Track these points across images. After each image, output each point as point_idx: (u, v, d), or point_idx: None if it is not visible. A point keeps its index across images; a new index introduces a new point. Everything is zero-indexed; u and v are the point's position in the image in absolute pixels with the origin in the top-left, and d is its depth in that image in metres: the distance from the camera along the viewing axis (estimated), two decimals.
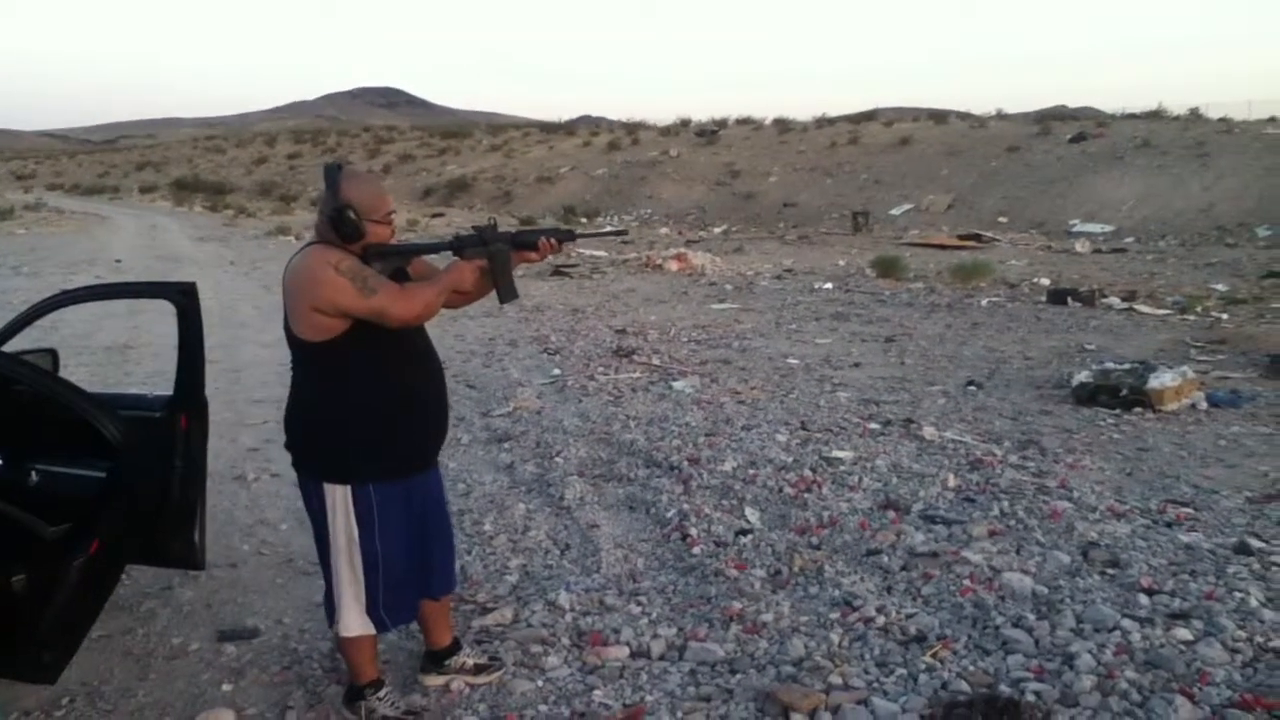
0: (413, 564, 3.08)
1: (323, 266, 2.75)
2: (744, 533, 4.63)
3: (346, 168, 2.92)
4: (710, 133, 42.88)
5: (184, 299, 3.63)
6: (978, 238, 22.76)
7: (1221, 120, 32.62)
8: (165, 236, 26.04)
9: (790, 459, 5.71)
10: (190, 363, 3.65)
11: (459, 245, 3.00)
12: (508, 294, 3.06)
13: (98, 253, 20.28)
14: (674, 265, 17.14)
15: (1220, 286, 14.22)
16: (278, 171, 56.90)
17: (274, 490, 5.50)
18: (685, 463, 5.68)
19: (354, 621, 3.01)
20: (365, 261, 2.82)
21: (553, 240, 3.07)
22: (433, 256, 3.13)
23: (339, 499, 2.92)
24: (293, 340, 2.89)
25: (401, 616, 3.15)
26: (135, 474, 3.13)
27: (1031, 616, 3.65)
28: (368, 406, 2.89)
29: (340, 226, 2.80)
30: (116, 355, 9.49)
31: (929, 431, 6.36)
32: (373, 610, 3.01)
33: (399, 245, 2.98)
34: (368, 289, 2.74)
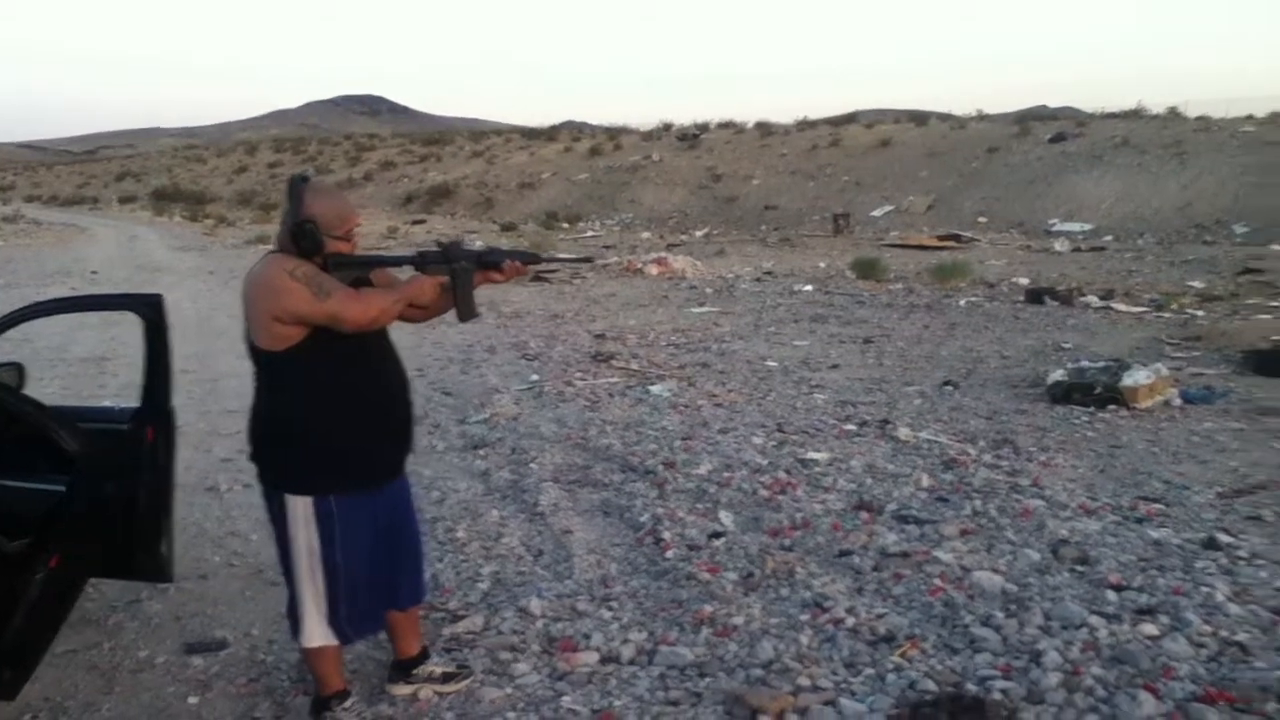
0: (377, 575, 3.06)
1: (279, 274, 2.74)
2: (717, 536, 4.63)
3: (312, 181, 2.92)
4: (692, 136, 42.92)
5: (150, 311, 3.61)
6: (957, 238, 22.85)
7: (1199, 119, 32.80)
8: (144, 247, 25.92)
9: (766, 461, 5.71)
10: (157, 374, 3.63)
11: (422, 260, 3.00)
12: (467, 313, 3.05)
13: (75, 264, 20.15)
14: (654, 269, 17.15)
15: (1196, 284, 14.32)
16: (258, 180, 56.69)
17: (246, 501, 5.46)
18: (661, 467, 5.68)
19: (316, 632, 2.99)
20: (326, 271, 2.81)
21: (518, 262, 3.07)
22: (396, 270, 3.13)
23: (300, 510, 2.90)
24: (253, 350, 2.88)
25: (365, 627, 3.13)
26: (96, 487, 3.10)
27: (1000, 615, 3.66)
28: (328, 416, 2.88)
29: (299, 240, 2.79)
30: (92, 367, 9.43)
31: (904, 432, 6.37)
32: (335, 621, 2.99)
33: (360, 256, 2.97)
34: (322, 292, 2.73)
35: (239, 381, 8.36)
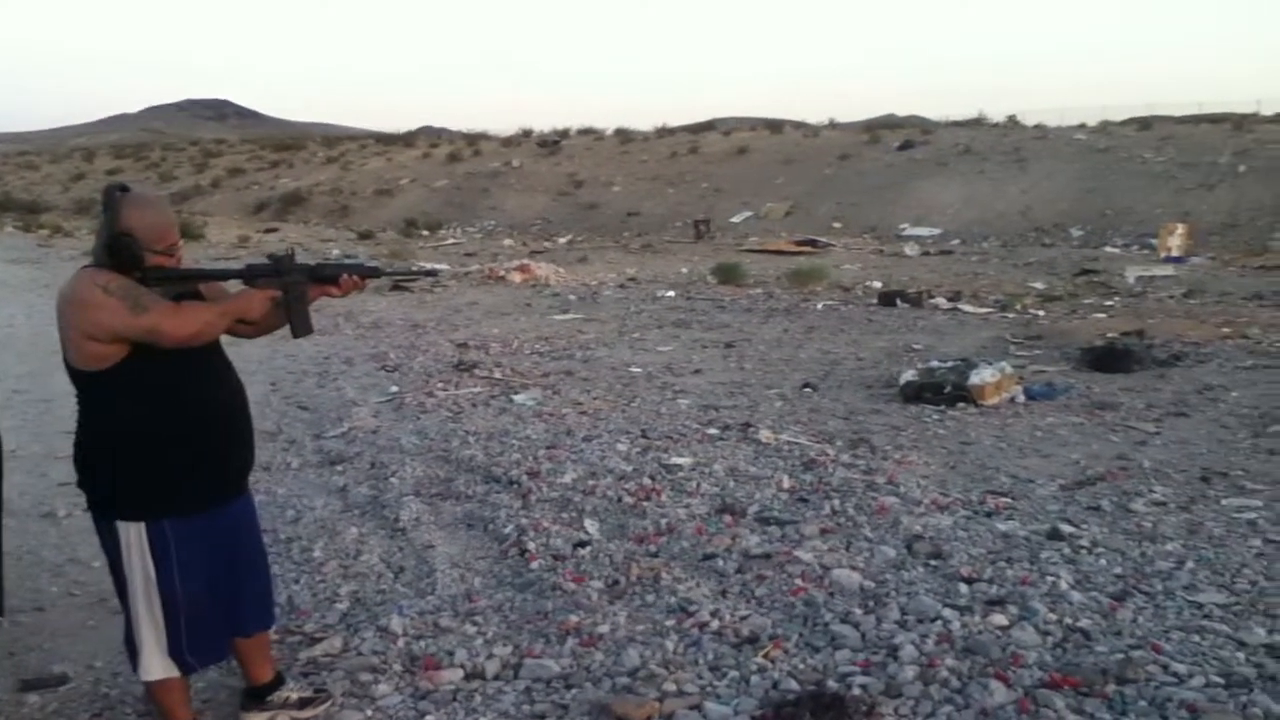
0: (219, 601, 2.92)
1: (90, 289, 2.60)
2: (582, 545, 4.60)
3: (132, 191, 2.75)
4: (552, 143, 42.89)
5: None
6: (814, 243, 23.46)
7: (1036, 127, 34.55)
8: None
9: (630, 468, 5.72)
10: None
11: (250, 275, 2.87)
12: (302, 328, 2.94)
13: None
14: (518, 277, 17.04)
15: (1038, 285, 15.05)
16: (96, 189, 53.56)
17: (86, 526, 5.08)
18: (525, 477, 5.62)
19: (155, 664, 2.83)
20: (145, 286, 2.67)
21: (355, 276, 2.98)
22: (231, 284, 2.98)
23: (133, 537, 2.75)
24: (71, 371, 2.72)
25: (209, 656, 2.98)
26: None
27: (859, 611, 3.75)
28: (154, 438, 2.73)
29: (116, 255, 2.65)
30: None
31: (765, 434, 6.48)
32: (176, 652, 2.84)
33: (183, 270, 2.82)
34: (139, 307, 2.60)
35: (75, 401, 7.94)
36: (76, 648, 3.87)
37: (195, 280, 2.88)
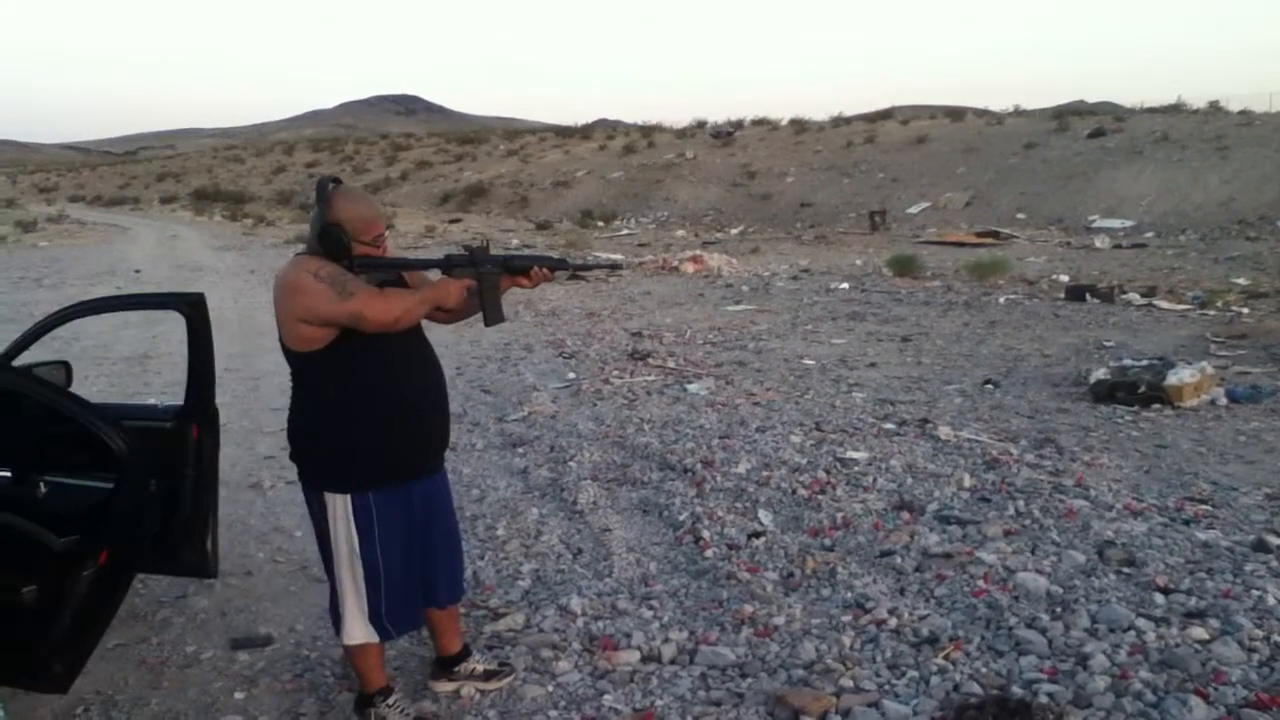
0: (415, 572, 3.08)
1: (302, 275, 2.77)
2: (757, 535, 4.61)
3: (341, 185, 2.93)
4: (726, 134, 42.80)
5: (192, 310, 3.65)
6: (995, 235, 22.63)
7: (1242, 113, 32.23)
8: (185, 246, 26.24)
9: (804, 460, 5.68)
10: (200, 372, 3.67)
11: (448, 264, 3.00)
12: (494, 317, 3.05)
13: (118, 264, 20.44)
14: (690, 267, 17.12)
15: (1241, 280, 14.09)
16: (296, 180, 57.14)
17: (289, 498, 5.51)
18: (699, 465, 5.66)
19: (357, 630, 3.01)
20: (353, 273, 2.82)
21: (545, 269, 3.07)
22: (430, 273, 3.13)
23: (339, 508, 2.93)
24: (286, 352, 2.91)
25: (406, 624, 3.15)
26: (142, 485, 3.14)
27: (1045, 617, 3.62)
28: (361, 415, 2.90)
29: (327, 244, 2.81)
30: (136, 365, 9.56)
31: (945, 431, 6.32)
32: (375, 618, 3.01)
33: (388, 259, 2.98)
34: (345, 293, 2.75)
35: (281, 379, 8.44)
36: (279, 611, 4.15)
37: (399, 269, 3.03)
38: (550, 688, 3.40)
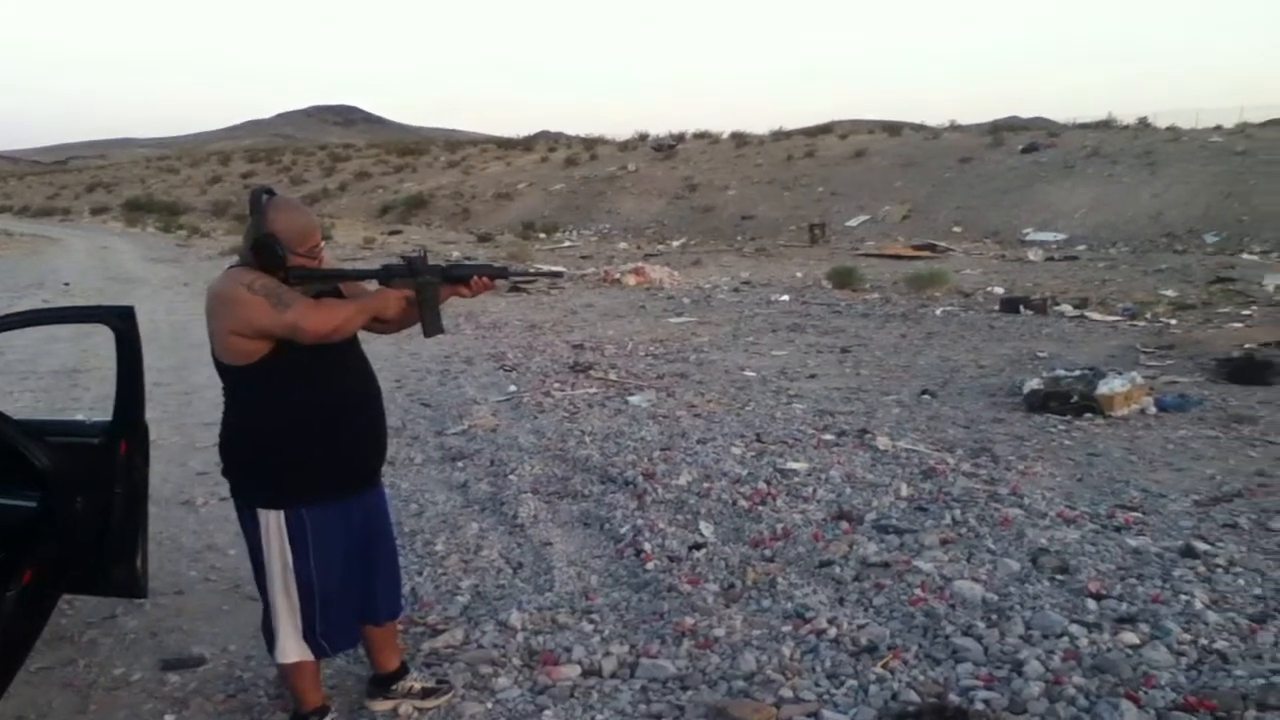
0: (351, 588, 3.03)
1: (236, 287, 2.72)
2: (698, 547, 4.61)
3: (276, 195, 2.88)
4: (668, 147, 43.04)
5: (122, 323, 3.56)
6: (933, 247, 23.00)
7: (1169, 129, 33.19)
8: (117, 258, 25.69)
9: (745, 471, 5.70)
10: (129, 387, 3.59)
11: (386, 275, 2.97)
12: (433, 327, 3.02)
13: (47, 276, 19.92)
14: (632, 279, 17.14)
15: (1169, 292, 14.46)
16: (232, 191, 56.25)
17: (223, 515, 5.39)
18: (640, 478, 5.65)
19: (291, 647, 2.96)
20: (288, 284, 2.78)
21: (485, 277, 3.05)
22: (368, 283, 3.09)
23: (272, 524, 2.88)
24: (218, 365, 2.85)
25: (342, 642, 3.10)
26: (67, 502, 3.06)
27: (981, 624, 3.67)
28: (295, 429, 2.85)
29: (261, 255, 2.76)
30: (64, 380, 9.32)
31: (883, 441, 6.39)
32: (310, 636, 2.96)
33: (324, 270, 2.93)
34: (281, 304, 2.71)
35: (214, 394, 8.23)
36: (212, 631, 4.06)
37: (335, 279, 2.99)
38: (490, 704, 3.36)
